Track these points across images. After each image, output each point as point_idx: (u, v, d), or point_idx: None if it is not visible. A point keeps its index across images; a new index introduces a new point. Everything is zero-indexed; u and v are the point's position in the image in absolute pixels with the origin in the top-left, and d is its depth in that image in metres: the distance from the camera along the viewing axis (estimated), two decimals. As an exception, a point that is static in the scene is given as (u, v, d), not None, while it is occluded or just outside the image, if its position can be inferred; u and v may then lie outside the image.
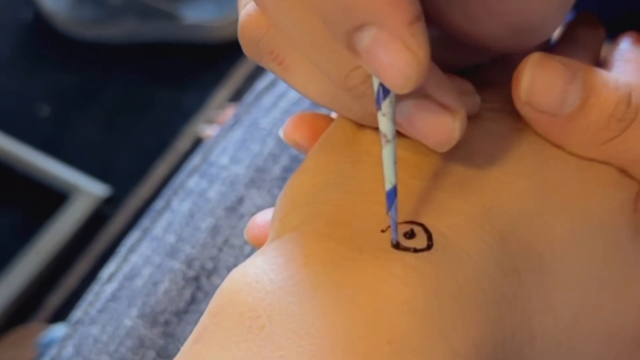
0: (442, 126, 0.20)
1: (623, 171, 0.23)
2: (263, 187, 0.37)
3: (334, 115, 0.26)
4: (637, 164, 0.23)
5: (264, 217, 0.27)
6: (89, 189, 0.99)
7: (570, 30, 0.28)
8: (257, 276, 0.19)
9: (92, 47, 1.15)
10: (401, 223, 0.21)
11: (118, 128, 1.08)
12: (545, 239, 0.21)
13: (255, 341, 0.18)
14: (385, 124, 0.19)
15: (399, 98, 0.20)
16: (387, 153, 0.20)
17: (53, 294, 0.94)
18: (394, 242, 0.20)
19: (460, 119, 0.20)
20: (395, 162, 0.20)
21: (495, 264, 0.20)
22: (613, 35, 0.28)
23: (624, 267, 0.22)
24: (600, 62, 0.27)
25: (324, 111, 0.27)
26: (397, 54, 0.17)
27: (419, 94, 0.20)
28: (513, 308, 0.20)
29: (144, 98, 1.10)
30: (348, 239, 0.20)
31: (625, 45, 0.27)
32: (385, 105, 0.19)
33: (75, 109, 1.10)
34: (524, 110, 0.22)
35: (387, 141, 0.20)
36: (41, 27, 1.16)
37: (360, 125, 0.23)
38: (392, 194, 0.20)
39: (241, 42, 0.22)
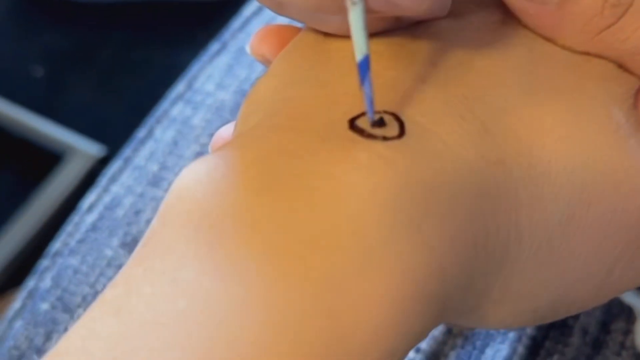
0: None
1: (621, 66, 0.21)
2: (251, 114, 0.35)
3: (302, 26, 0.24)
4: (635, 56, 0.21)
5: (229, 130, 0.25)
6: (84, 149, 0.97)
7: None
8: (208, 171, 0.18)
9: (86, 8, 1.13)
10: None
11: (113, 88, 1.06)
12: (534, 130, 0.20)
13: (205, 240, 0.16)
14: None
15: None
16: (354, 17, 0.17)
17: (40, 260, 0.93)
18: (371, 121, 0.18)
19: None
20: (365, 28, 0.18)
21: (477, 154, 0.19)
22: None
23: (624, 159, 0.20)
24: None
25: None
26: None
27: None
28: (497, 201, 0.19)
29: (139, 58, 1.08)
30: (310, 129, 0.18)
31: None
32: None
33: (69, 70, 1.08)
34: (510, 0, 0.20)
35: (354, 3, 0.17)
36: (34, -12, 1.14)
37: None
38: (365, 65, 0.18)
39: None
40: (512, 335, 0.30)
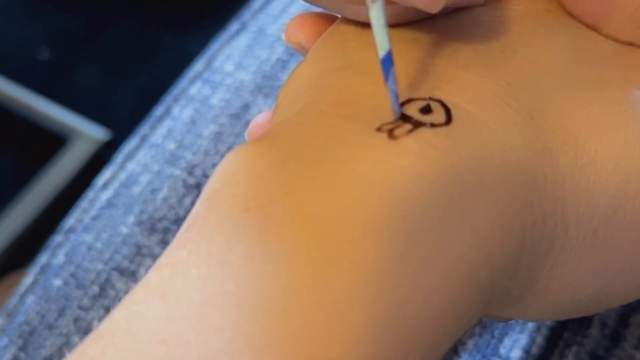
0: None
1: None
2: (270, 95, 0.35)
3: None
4: None
5: (266, 117, 0.24)
6: (88, 133, 0.97)
7: None
8: (255, 156, 0.17)
9: (93, -10, 1.12)
10: (417, 99, 0.19)
11: (119, 72, 1.06)
12: (580, 119, 0.19)
13: (254, 222, 0.16)
14: None
15: None
16: (375, 15, 0.18)
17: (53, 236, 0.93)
18: (397, 115, 0.18)
19: None
20: (386, 25, 0.18)
21: (524, 143, 0.18)
22: None
23: None
24: None
25: None
26: None
27: None
28: (544, 191, 0.18)
29: (146, 42, 1.08)
30: (357, 116, 0.18)
31: None
32: None
33: (75, 52, 1.08)
34: None
35: (373, 1, 0.17)
36: (42, -31, 1.13)
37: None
38: (388, 61, 0.18)
39: None
40: (531, 325, 0.30)
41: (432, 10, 0.18)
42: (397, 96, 0.18)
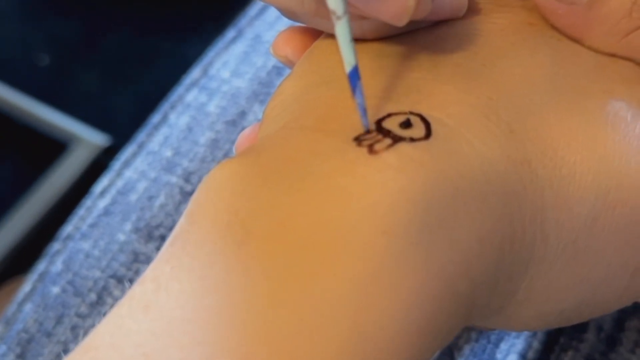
0: None
1: None
2: (266, 101, 0.35)
3: None
4: None
5: (253, 130, 0.25)
6: (88, 138, 0.97)
7: None
8: (238, 171, 0.18)
9: (93, -4, 1.12)
10: (397, 114, 0.19)
11: (119, 78, 1.06)
12: (560, 131, 0.20)
13: (234, 238, 0.16)
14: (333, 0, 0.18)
15: None
16: (340, 30, 0.18)
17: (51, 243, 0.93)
18: (366, 128, 0.19)
19: None
20: (351, 40, 0.18)
21: (503, 155, 0.19)
22: None
23: None
24: None
25: None
26: None
27: None
28: (523, 202, 0.19)
29: (146, 47, 1.08)
30: (339, 131, 0.19)
31: None
32: None
33: (75, 58, 1.08)
34: (539, 0, 0.21)
35: (338, 18, 0.18)
36: (41, -25, 1.14)
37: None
38: (354, 76, 0.19)
39: None
40: (526, 330, 0.30)
41: (399, 24, 0.19)
42: (364, 110, 0.19)
